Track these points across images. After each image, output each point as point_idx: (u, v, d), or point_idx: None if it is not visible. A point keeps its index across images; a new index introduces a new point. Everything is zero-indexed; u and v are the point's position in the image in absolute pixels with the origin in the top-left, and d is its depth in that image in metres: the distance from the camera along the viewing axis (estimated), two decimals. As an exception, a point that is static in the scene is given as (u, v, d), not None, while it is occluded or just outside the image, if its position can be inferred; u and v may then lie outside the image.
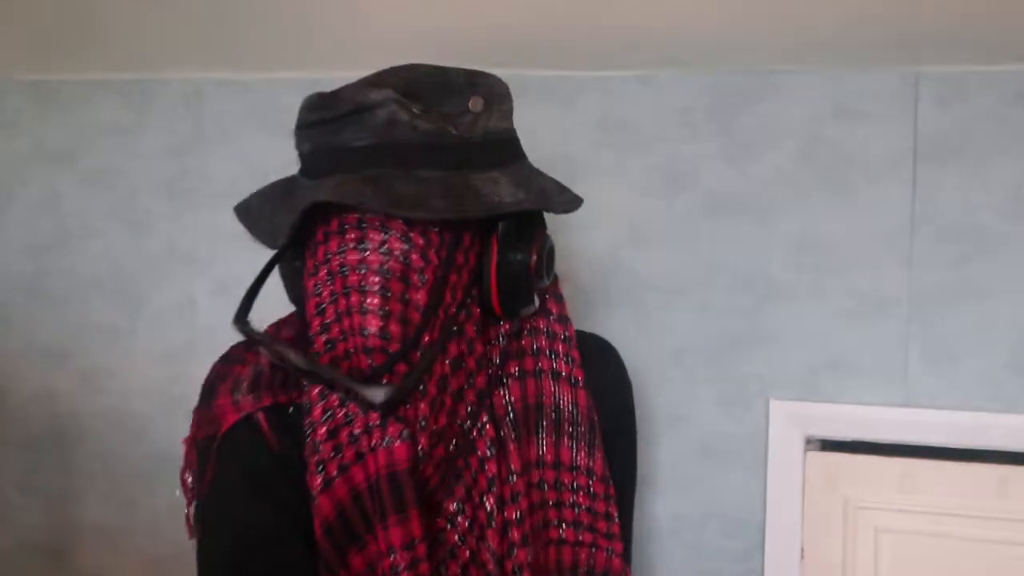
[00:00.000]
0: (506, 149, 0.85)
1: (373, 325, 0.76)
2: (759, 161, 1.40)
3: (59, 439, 1.63)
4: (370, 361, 0.76)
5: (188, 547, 0.84)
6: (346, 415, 0.77)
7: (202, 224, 1.58)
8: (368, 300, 0.76)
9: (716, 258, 1.42)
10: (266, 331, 0.85)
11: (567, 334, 0.89)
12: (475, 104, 0.81)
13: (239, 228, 1.55)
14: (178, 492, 0.89)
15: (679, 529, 1.44)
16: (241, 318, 0.81)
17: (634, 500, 1.00)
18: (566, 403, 0.87)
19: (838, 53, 1.32)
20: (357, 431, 0.77)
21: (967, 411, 1.33)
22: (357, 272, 0.77)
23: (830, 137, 1.38)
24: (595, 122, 1.44)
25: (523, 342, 0.87)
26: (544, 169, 0.90)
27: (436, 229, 0.79)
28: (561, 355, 0.88)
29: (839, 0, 1.14)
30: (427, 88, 0.81)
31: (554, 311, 0.89)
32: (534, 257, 0.83)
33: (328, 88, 1.59)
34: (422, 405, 0.77)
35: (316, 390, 0.79)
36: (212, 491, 0.84)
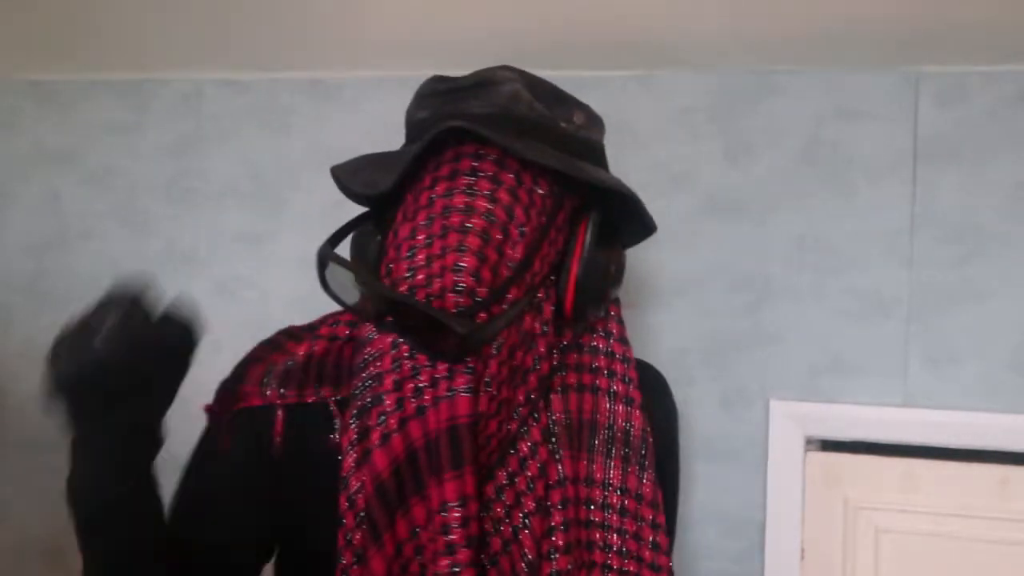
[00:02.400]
0: (603, 158, 0.89)
1: (470, 263, 0.74)
2: (759, 161, 1.40)
3: (59, 439, 1.62)
4: (457, 300, 0.74)
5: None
6: (413, 367, 0.75)
7: (202, 224, 1.58)
8: (468, 239, 0.75)
9: (716, 258, 1.42)
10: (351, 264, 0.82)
11: (626, 355, 0.89)
12: (579, 117, 0.85)
13: (239, 228, 1.57)
14: None
15: (679, 529, 1.44)
16: (326, 249, 0.79)
17: (674, 533, 0.98)
18: (620, 423, 0.86)
19: (838, 53, 1.32)
20: (423, 383, 0.75)
21: (967, 411, 1.33)
22: (462, 213, 0.76)
23: (830, 137, 1.38)
24: (595, 122, 1.43)
25: (583, 358, 0.86)
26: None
27: (542, 192, 0.80)
28: (619, 375, 0.87)
29: (839, 0, 1.14)
30: (541, 89, 0.84)
31: (615, 332, 0.89)
32: (616, 260, 0.84)
33: (327, 88, 1.60)
34: (492, 363, 0.76)
35: (389, 338, 0.77)
36: (200, 447, 0.88)
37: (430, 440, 0.74)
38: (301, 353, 0.87)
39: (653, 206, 1.41)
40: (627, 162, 1.43)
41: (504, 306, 0.76)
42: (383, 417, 0.75)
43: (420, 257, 0.76)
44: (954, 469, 1.35)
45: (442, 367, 0.74)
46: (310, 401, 0.86)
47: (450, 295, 0.74)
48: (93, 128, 1.61)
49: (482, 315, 0.75)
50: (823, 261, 1.38)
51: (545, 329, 0.80)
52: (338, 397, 0.85)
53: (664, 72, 1.43)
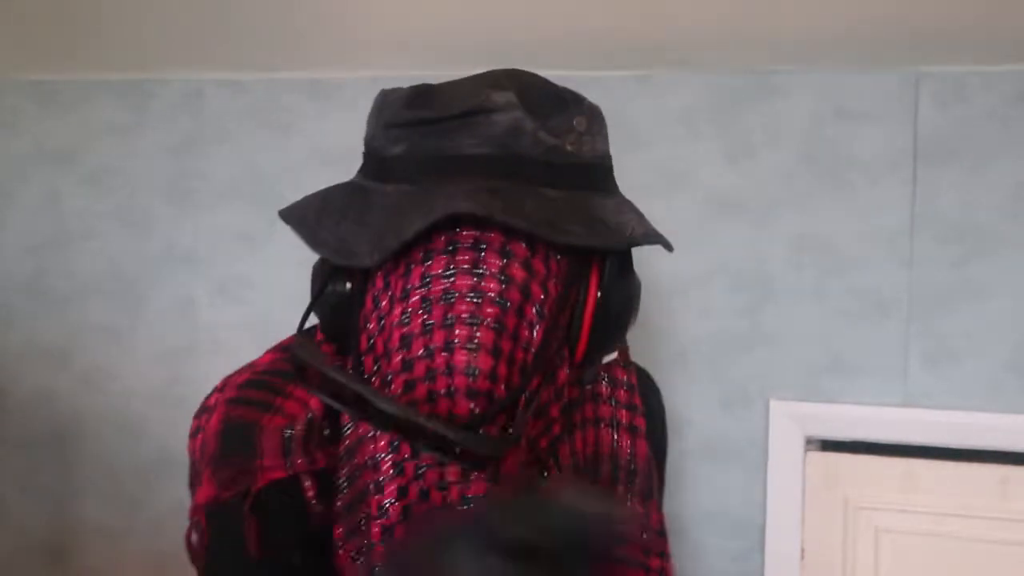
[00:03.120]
0: (611, 176, 0.77)
1: (485, 364, 0.64)
2: (759, 161, 1.40)
3: (59, 439, 1.63)
4: (472, 406, 0.64)
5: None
6: (416, 468, 0.65)
7: (202, 224, 1.58)
8: (480, 334, 0.65)
9: (716, 258, 1.42)
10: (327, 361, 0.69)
11: (630, 381, 0.82)
12: (580, 123, 0.72)
13: (239, 228, 1.56)
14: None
15: (679, 529, 1.44)
16: (302, 347, 0.67)
17: None
18: (624, 453, 0.80)
19: (838, 53, 1.32)
20: (428, 486, 0.65)
21: (967, 411, 1.33)
22: (469, 301, 0.65)
23: (830, 137, 1.38)
24: (595, 122, 1.43)
25: (584, 388, 0.79)
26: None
27: (559, 257, 0.70)
28: (623, 402, 0.81)
29: (839, 0, 1.14)
30: (538, 98, 0.71)
31: (620, 355, 0.82)
32: (633, 291, 0.76)
33: (327, 88, 1.59)
34: (511, 459, 0.67)
35: (384, 440, 0.66)
36: (218, 556, 0.72)
37: None
38: (312, 407, 0.74)
39: (653, 206, 1.41)
40: (627, 162, 1.43)
41: (523, 398, 0.66)
42: (389, 534, 0.66)
43: (417, 347, 0.66)
44: (954, 469, 1.35)
45: (453, 470, 0.64)
46: (323, 465, 0.73)
47: (463, 399, 0.64)
48: (93, 128, 1.61)
49: (501, 417, 0.65)
50: (823, 261, 1.38)
51: (560, 395, 0.72)
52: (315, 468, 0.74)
53: (664, 72, 1.43)
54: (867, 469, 1.38)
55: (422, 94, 0.72)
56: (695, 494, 1.43)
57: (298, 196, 1.72)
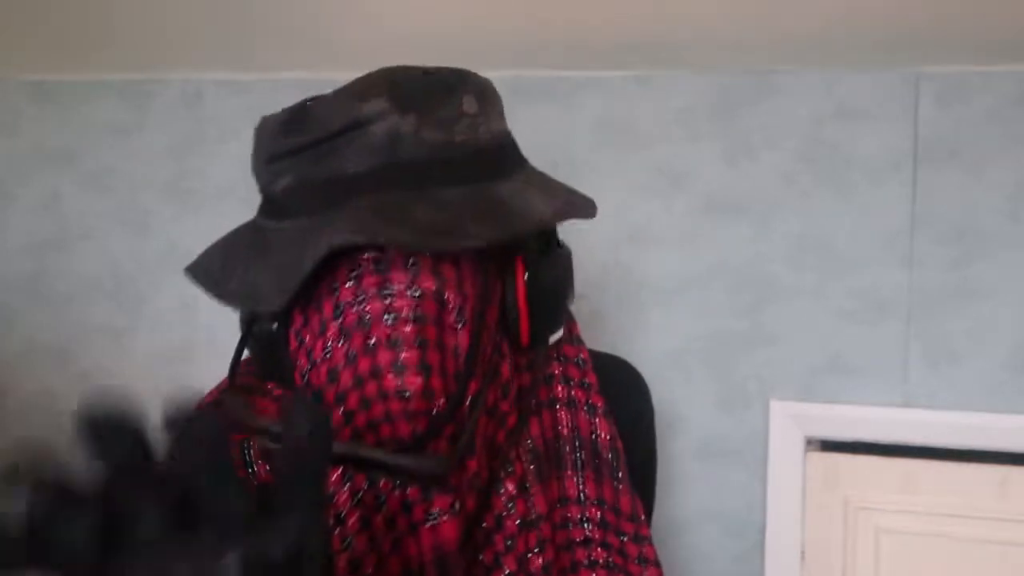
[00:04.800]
0: (514, 153, 0.74)
1: (415, 384, 0.63)
2: (759, 161, 1.40)
3: (59, 439, 1.63)
4: (413, 427, 0.63)
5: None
6: (376, 497, 0.64)
7: (202, 224, 1.58)
8: (403, 355, 0.63)
9: (716, 258, 1.42)
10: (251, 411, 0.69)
11: (581, 357, 0.79)
12: (469, 105, 0.68)
13: (239, 228, 1.56)
14: None
15: (679, 529, 1.44)
16: (235, 403, 0.68)
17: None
18: (585, 433, 0.77)
19: (838, 53, 1.32)
20: (391, 512, 0.63)
21: (967, 411, 1.33)
22: (383, 324, 0.64)
23: (830, 137, 1.38)
24: (595, 122, 1.44)
25: (537, 373, 0.76)
26: (544, 170, 0.90)
27: (467, 256, 0.67)
28: (576, 380, 0.78)
29: (839, 0, 1.14)
30: (418, 93, 0.67)
31: (569, 332, 0.79)
32: (563, 265, 0.74)
33: (325, 88, 1.57)
34: (471, 464, 0.65)
35: (336, 473, 0.64)
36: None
37: (412, 571, 0.64)
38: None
39: (653, 206, 1.42)
40: (627, 162, 1.44)
41: (466, 403, 0.65)
42: (356, 568, 0.64)
43: (346, 379, 0.64)
44: (954, 469, 1.35)
45: (414, 491, 0.63)
46: None
47: (402, 423, 0.63)
48: (93, 128, 1.61)
49: (449, 427, 0.64)
50: (823, 261, 1.38)
51: (507, 391, 0.71)
52: None
53: (664, 72, 1.43)
54: (867, 469, 1.38)
55: (296, 118, 0.68)
56: (695, 494, 1.43)
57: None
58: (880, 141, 1.36)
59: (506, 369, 0.70)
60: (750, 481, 1.41)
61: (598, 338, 1.32)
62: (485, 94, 0.71)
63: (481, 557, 0.68)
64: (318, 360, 0.66)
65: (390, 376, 0.63)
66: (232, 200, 1.57)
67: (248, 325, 0.71)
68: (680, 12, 1.20)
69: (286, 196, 0.67)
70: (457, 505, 0.63)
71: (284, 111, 0.69)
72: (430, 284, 0.65)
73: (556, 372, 0.77)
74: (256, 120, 1.72)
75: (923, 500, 1.36)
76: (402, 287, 0.64)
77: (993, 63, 1.32)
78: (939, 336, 1.35)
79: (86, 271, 1.61)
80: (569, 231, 1.42)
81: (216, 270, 0.70)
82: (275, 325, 0.68)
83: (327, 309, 0.66)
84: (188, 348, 1.57)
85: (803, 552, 1.39)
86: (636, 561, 0.78)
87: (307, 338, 0.67)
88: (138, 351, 1.59)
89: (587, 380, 0.79)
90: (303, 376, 0.68)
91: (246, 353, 0.74)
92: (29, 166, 1.64)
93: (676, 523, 1.44)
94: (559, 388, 0.77)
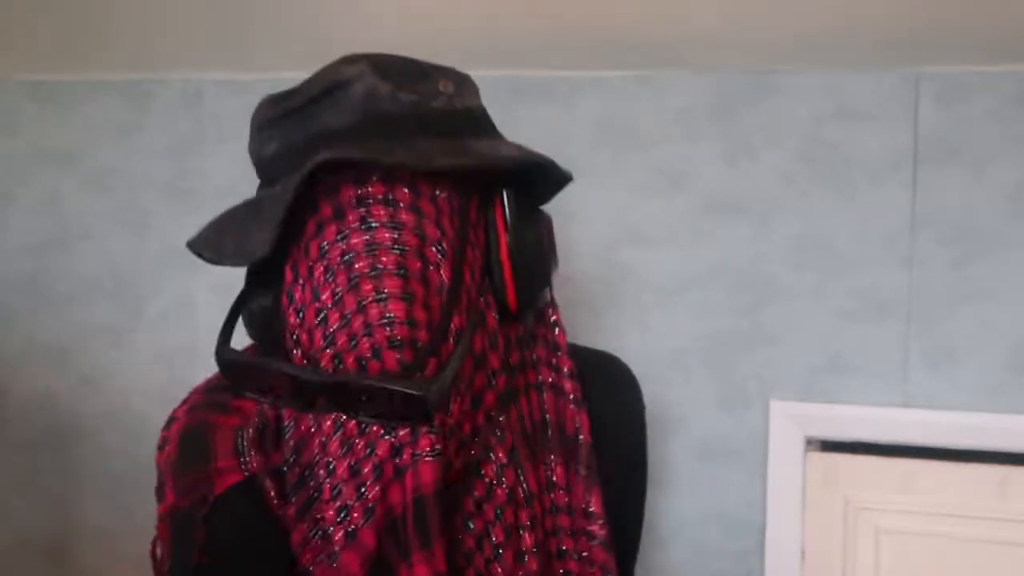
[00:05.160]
0: (488, 123, 0.76)
1: (398, 311, 0.64)
2: (759, 161, 1.40)
3: (59, 439, 1.63)
4: (399, 357, 0.64)
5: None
6: (367, 444, 0.65)
7: (202, 224, 1.58)
8: (385, 283, 0.65)
9: (716, 258, 1.42)
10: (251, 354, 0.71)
11: (556, 340, 0.80)
12: (445, 86, 0.72)
13: (239, 228, 1.56)
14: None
15: (679, 529, 1.44)
16: (224, 350, 0.69)
17: (638, 546, 0.92)
18: (569, 422, 0.78)
19: (838, 53, 1.32)
20: (382, 458, 0.65)
21: (967, 411, 1.33)
22: (366, 256, 0.66)
23: (830, 137, 1.38)
24: (594, 122, 1.43)
25: (525, 354, 0.78)
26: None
27: (444, 195, 0.69)
28: (556, 367, 0.79)
29: (839, 0, 1.14)
30: (397, 69, 0.71)
31: (549, 318, 0.80)
32: (546, 229, 0.75)
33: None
34: (453, 406, 0.67)
35: (328, 421, 0.66)
36: (208, 560, 0.70)
37: (395, 519, 0.65)
38: (268, 412, 0.74)
39: (653, 206, 1.42)
40: (627, 162, 1.44)
41: (451, 339, 0.66)
42: (344, 514, 0.66)
43: (333, 320, 0.66)
44: (954, 469, 1.35)
45: (402, 432, 0.65)
46: (278, 462, 0.73)
47: (388, 352, 0.64)
48: (93, 128, 1.61)
49: (431, 360, 0.65)
50: (823, 261, 1.38)
51: (494, 342, 0.72)
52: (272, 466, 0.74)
53: (664, 72, 1.43)
54: (867, 469, 1.38)
55: (284, 92, 0.73)
56: (695, 494, 1.43)
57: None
58: (880, 141, 1.36)
59: (492, 319, 0.71)
60: (750, 481, 1.41)
61: (598, 338, 1.32)
62: (462, 81, 0.74)
63: (472, 526, 0.70)
64: (306, 305, 0.68)
65: (374, 307, 0.65)
66: (232, 200, 1.56)
67: (241, 298, 0.74)
68: (680, 12, 1.20)
69: (274, 160, 0.72)
70: (439, 447, 0.64)
71: (279, 91, 0.74)
72: (410, 218, 0.67)
73: (543, 357, 0.78)
74: (256, 120, 1.69)
75: (923, 500, 1.36)
76: (384, 220, 0.66)
77: (993, 63, 1.32)
78: (939, 336, 1.35)
79: (86, 271, 1.61)
80: (569, 231, 1.43)
81: (214, 238, 0.73)
82: (271, 298, 0.71)
83: (313, 251, 0.68)
84: (188, 348, 1.57)
85: (803, 552, 1.39)
86: (601, 545, 0.78)
87: (296, 293, 0.69)
88: (138, 351, 1.59)
89: (564, 367, 0.79)
90: (292, 334, 0.69)
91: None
92: (29, 166, 1.64)
93: (676, 523, 1.44)
94: (546, 372, 0.78)
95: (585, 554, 0.77)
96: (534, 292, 0.74)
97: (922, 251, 1.36)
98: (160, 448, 0.78)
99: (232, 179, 1.56)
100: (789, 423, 1.38)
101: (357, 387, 0.62)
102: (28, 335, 1.63)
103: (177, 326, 1.58)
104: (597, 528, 0.78)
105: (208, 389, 0.79)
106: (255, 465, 0.72)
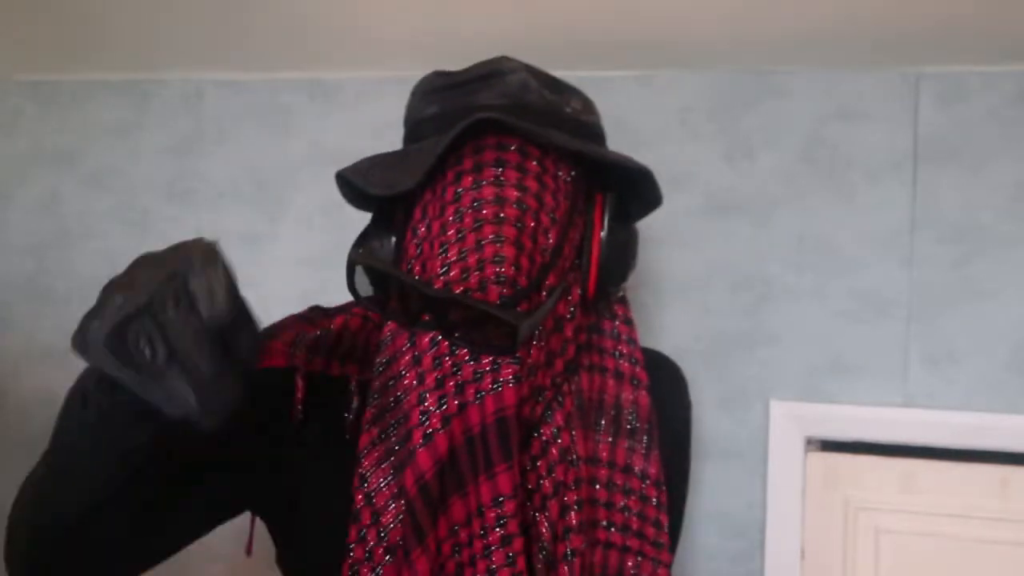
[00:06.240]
0: (604, 138, 0.90)
1: (509, 253, 0.74)
2: (759, 161, 1.40)
3: (59, 439, 1.63)
4: (500, 290, 0.73)
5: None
6: (454, 363, 0.74)
7: (202, 224, 1.58)
8: (504, 229, 0.75)
9: (716, 258, 1.42)
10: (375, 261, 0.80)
11: (631, 336, 0.89)
12: (576, 104, 0.85)
13: (239, 228, 1.56)
14: None
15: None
16: (354, 251, 0.78)
17: (678, 541, 0.96)
18: (627, 402, 0.86)
19: (838, 53, 1.32)
20: (465, 379, 0.73)
21: (967, 411, 1.33)
22: (493, 204, 0.76)
23: (830, 137, 1.38)
24: (595, 122, 1.43)
25: (592, 338, 0.87)
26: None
27: (564, 176, 0.81)
28: (625, 355, 0.88)
29: (839, 0, 1.14)
30: (543, 76, 0.85)
31: (620, 313, 0.89)
32: (632, 237, 0.86)
33: (327, 88, 1.59)
34: (533, 351, 0.76)
35: (427, 337, 0.75)
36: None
37: (474, 436, 0.73)
38: (334, 326, 0.85)
39: (653, 206, 1.42)
40: (627, 162, 1.44)
41: (543, 293, 0.76)
42: (425, 417, 0.73)
43: (453, 252, 0.75)
44: (954, 469, 1.35)
45: (485, 360, 0.73)
46: (335, 375, 0.84)
47: (492, 286, 0.73)
48: (93, 128, 1.61)
49: (524, 304, 0.75)
50: (823, 261, 1.38)
51: (573, 312, 0.81)
52: (361, 378, 0.84)
53: (664, 72, 1.43)
54: (867, 469, 1.38)
55: (451, 72, 0.84)
56: (695, 494, 1.43)
57: (298, 196, 1.73)
58: (880, 141, 1.36)
59: (575, 292, 0.81)
60: (750, 481, 1.41)
61: (598, 338, 1.31)
62: (588, 104, 0.88)
63: (525, 480, 0.76)
64: (431, 238, 0.77)
65: (490, 246, 0.74)
66: (232, 200, 1.57)
67: (363, 235, 0.83)
68: (680, 12, 1.20)
69: (430, 120, 0.83)
70: (520, 375, 0.73)
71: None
72: (534, 185, 0.78)
73: (608, 347, 0.88)
74: (256, 120, 1.73)
75: (923, 500, 1.36)
76: (513, 181, 0.77)
77: (993, 63, 1.32)
78: (939, 336, 1.35)
79: (86, 271, 1.61)
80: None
81: (363, 168, 0.81)
82: (394, 239, 0.81)
83: (448, 195, 0.77)
84: (188, 348, 1.57)
85: (803, 552, 1.39)
86: (653, 523, 0.85)
87: (421, 228, 0.78)
88: (138, 351, 1.59)
89: (635, 356, 0.89)
90: (408, 264, 0.78)
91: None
92: (29, 166, 1.64)
93: (683, 520, 1.44)
94: (609, 360, 0.87)
95: (635, 526, 0.84)
96: (611, 284, 0.84)
97: (922, 251, 1.36)
98: None
99: (232, 179, 1.57)
100: (789, 423, 1.38)
101: (462, 305, 0.70)
102: (28, 335, 1.63)
103: (177, 326, 1.57)
104: (655, 492, 0.85)
105: (312, 308, 0.88)
106: (299, 359, 0.82)
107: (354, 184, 0.80)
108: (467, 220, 0.76)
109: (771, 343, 1.40)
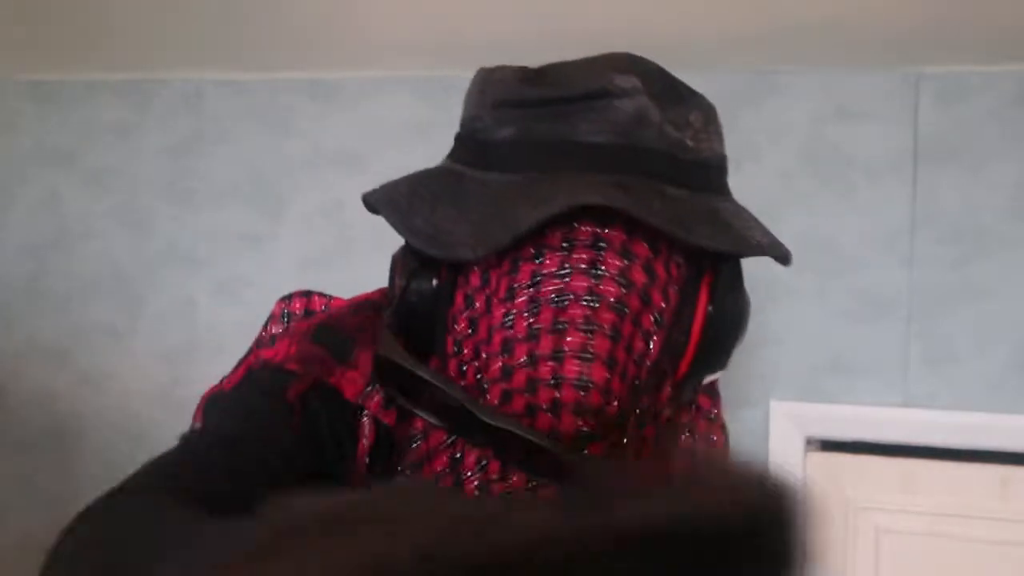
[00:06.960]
0: (725, 178, 0.70)
1: (600, 376, 0.58)
2: (759, 161, 1.40)
3: (59, 439, 1.63)
4: (580, 423, 0.57)
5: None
6: (500, 473, 0.60)
7: (202, 224, 1.58)
8: (596, 343, 0.58)
9: (716, 258, 1.42)
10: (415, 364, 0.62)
11: (713, 411, 0.76)
12: (696, 119, 0.65)
13: (239, 228, 1.56)
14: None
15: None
16: (393, 348, 0.61)
17: None
18: None
19: (839, 53, 1.32)
20: (514, 487, 0.60)
21: (968, 411, 1.33)
22: (586, 305, 0.58)
23: (831, 137, 1.38)
24: (595, 122, 1.43)
25: (672, 415, 0.71)
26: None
27: (678, 260, 0.63)
28: (702, 434, 0.75)
29: (839, 0, 1.14)
30: (661, 86, 0.64)
31: (704, 408, 0.75)
32: (742, 316, 0.70)
33: (325, 88, 1.57)
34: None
35: (471, 457, 0.61)
36: (261, 397, 0.63)
37: None
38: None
39: (653, 206, 1.42)
40: (627, 162, 1.44)
41: (633, 420, 0.60)
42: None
43: (520, 354, 0.59)
44: (954, 469, 1.35)
45: (519, 479, 0.59)
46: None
47: (569, 417, 0.57)
48: (93, 128, 1.61)
49: (608, 438, 0.59)
50: (823, 261, 1.38)
51: (657, 414, 0.66)
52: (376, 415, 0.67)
53: (664, 72, 1.43)
54: (867, 469, 1.38)
55: (535, 73, 0.64)
56: (695, 494, 1.43)
57: (298, 196, 1.72)
58: (880, 141, 1.36)
59: (666, 392, 0.65)
60: (750, 481, 1.40)
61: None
62: (711, 115, 0.68)
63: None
64: (493, 327, 0.60)
65: (573, 362, 0.58)
66: (232, 200, 1.57)
67: (407, 282, 0.64)
68: (680, 12, 1.20)
69: (503, 147, 0.62)
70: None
71: (515, 67, 0.65)
72: (641, 278, 0.60)
73: (683, 421, 0.73)
74: (256, 120, 1.72)
75: (923, 500, 1.36)
76: (614, 272, 0.59)
77: (993, 63, 1.32)
78: (939, 336, 1.35)
79: (86, 271, 1.61)
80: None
81: (402, 201, 0.63)
82: (435, 283, 0.63)
83: (523, 275, 0.60)
84: (188, 348, 1.57)
85: (803, 552, 1.39)
86: None
87: (479, 303, 0.62)
88: (138, 351, 1.59)
89: (711, 435, 0.75)
90: (456, 342, 0.62)
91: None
92: (29, 166, 1.64)
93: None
94: (683, 439, 0.73)
95: None
96: (709, 368, 0.68)
97: (922, 251, 1.36)
98: (278, 318, 0.78)
99: (232, 179, 1.57)
100: (789, 423, 1.38)
101: (528, 445, 0.56)
102: (28, 335, 1.63)
103: (177, 326, 1.58)
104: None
105: (367, 305, 0.71)
106: (372, 404, 0.65)
107: (390, 223, 0.62)
108: (544, 316, 0.59)
109: (772, 343, 1.40)
